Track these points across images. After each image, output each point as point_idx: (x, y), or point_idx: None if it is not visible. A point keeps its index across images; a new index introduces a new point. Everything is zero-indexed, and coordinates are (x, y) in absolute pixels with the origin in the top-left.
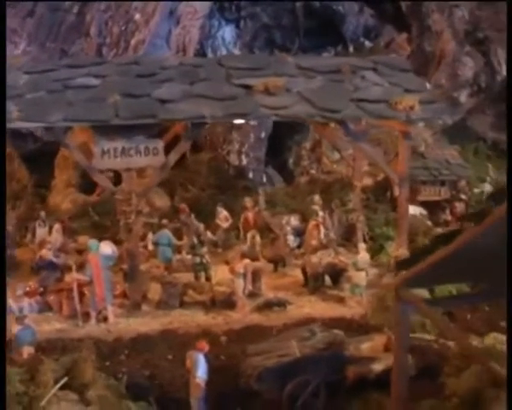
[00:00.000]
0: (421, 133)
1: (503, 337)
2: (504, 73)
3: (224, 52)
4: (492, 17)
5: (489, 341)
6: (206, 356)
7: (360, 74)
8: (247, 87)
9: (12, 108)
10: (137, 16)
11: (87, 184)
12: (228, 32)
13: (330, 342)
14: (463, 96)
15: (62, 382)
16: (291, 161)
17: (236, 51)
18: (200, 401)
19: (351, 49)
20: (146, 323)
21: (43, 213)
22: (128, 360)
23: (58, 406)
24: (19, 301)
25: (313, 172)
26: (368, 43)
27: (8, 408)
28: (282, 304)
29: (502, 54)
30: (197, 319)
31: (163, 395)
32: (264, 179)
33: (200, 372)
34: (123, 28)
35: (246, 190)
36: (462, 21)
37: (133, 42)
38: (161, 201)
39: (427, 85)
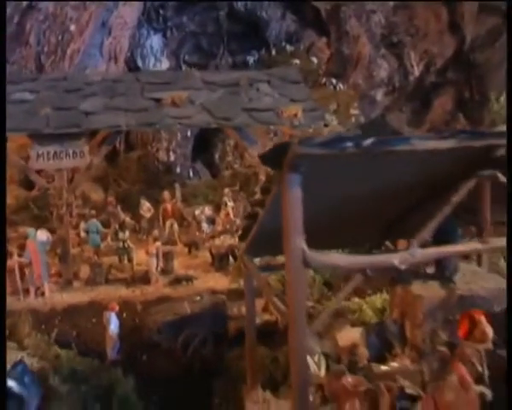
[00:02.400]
0: (334, 130)
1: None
2: (417, 73)
3: (152, 59)
4: (406, 22)
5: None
6: (117, 315)
7: (256, 86)
8: (157, 100)
9: None
10: (72, 27)
11: (28, 181)
12: (155, 40)
13: (214, 303)
14: (379, 95)
15: None
16: (217, 156)
17: (164, 58)
18: (113, 350)
19: (273, 52)
20: (76, 296)
21: None
22: (60, 323)
23: None
24: None
25: (236, 166)
26: (289, 47)
27: None
28: (189, 279)
29: (414, 56)
30: (119, 292)
31: (86, 348)
32: (191, 174)
33: (113, 327)
34: (59, 38)
35: (171, 184)
36: (378, 26)
37: (69, 51)
38: (96, 194)
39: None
